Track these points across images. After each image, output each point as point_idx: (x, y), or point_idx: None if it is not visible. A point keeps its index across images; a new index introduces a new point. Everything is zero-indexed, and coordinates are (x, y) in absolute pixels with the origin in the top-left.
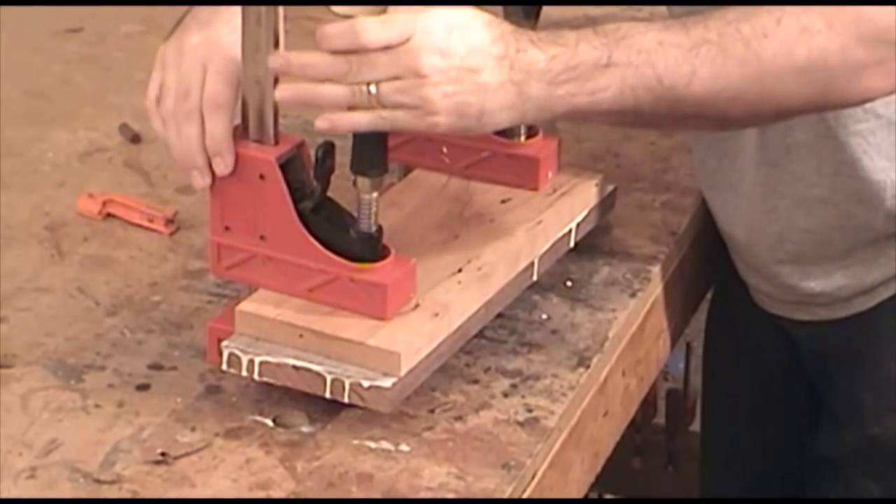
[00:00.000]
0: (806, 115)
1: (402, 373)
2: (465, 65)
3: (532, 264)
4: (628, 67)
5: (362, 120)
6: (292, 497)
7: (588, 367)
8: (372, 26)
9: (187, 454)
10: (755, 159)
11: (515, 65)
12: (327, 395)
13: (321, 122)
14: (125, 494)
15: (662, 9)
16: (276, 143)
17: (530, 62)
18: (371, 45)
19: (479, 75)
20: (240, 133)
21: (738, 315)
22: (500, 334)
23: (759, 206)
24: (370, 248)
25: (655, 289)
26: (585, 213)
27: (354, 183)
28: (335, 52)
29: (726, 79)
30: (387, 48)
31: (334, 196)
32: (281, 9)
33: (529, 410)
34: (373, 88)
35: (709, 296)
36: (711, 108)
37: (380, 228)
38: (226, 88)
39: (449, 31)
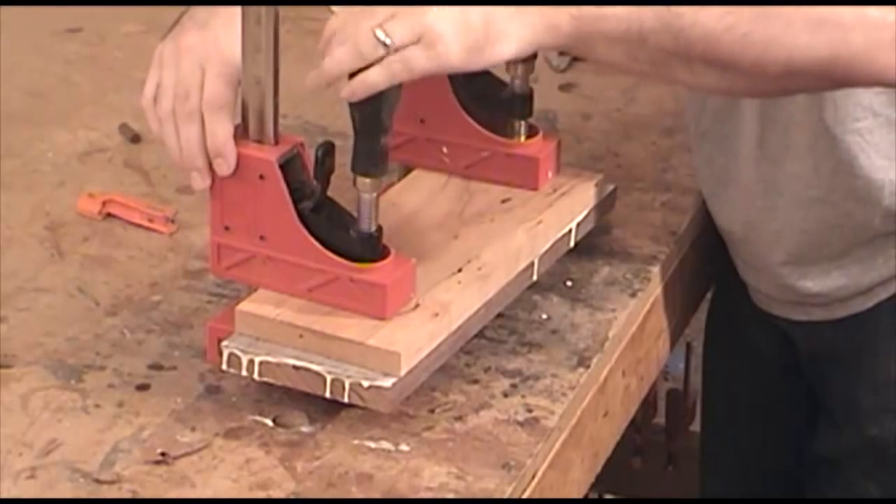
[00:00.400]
0: (804, 114)
1: (402, 373)
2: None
3: (532, 264)
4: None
5: (377, 75)
6: (292, 497)
7: (588, 367)
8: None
9: (187, 454)
10: (755, 157)
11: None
12: (327, 395)
13: (343, 93)
14: (125, 494)
15: None
16: (276, 143)
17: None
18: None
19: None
20: (240, 133)
21: (738, 315)
22: (500, 334)
23: (759, 204)
24: (370, 248)
25: (655, 289)
26: (585, 213)
27: (354, 183)
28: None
29: (736, 15)
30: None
31: (334, 196)
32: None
33: (529, 410)
34: (379, 33)
35: (709, 296)
36: (718, 46)
37: (380, 228)
38: (225, 89)
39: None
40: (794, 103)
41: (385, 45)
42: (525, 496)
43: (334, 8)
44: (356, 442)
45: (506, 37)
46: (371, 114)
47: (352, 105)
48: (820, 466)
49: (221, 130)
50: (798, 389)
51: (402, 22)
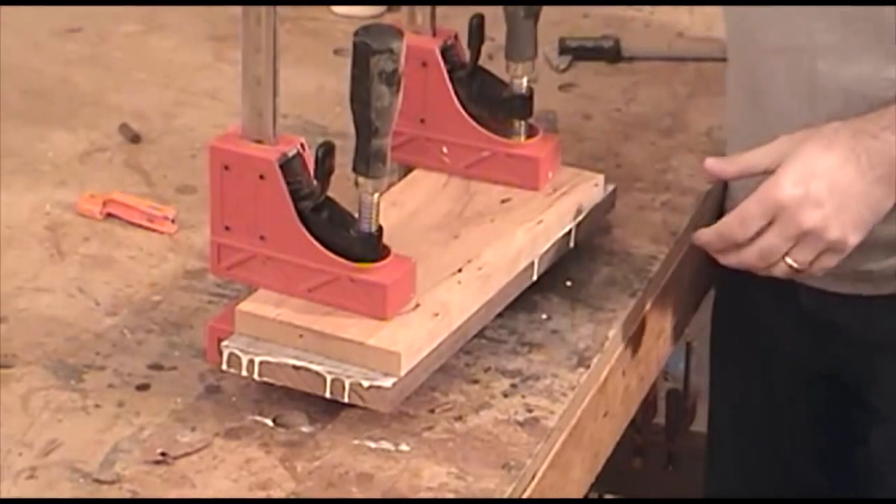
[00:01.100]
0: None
1: (403, 373)
2: (836, 194)
3: (532, 264)
4: None
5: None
6: (292, 497)
7: (588, 367)
8: (734, 225)
9: (187, 454)
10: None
11: (875, 164)
12: (327, 395)
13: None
14: (125, 494)
15: (662, 9)
16: (276, 143)
17: (884, 156)
18: (746, 238)
19: (852, 189)
20: (240, 133)
21: (752, 307)
22: (500, 334)
23: None
24: (370, 248)
25: (655, 289)
26: (585, 213)
27: (356, 183)
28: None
29: None
30: (763, 228)
31: (335, 196)
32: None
33: (529, 410)
34: (792, 263)
35: (711, 293)
36: None
37: (380, 228)
38: None
39: (804, 183)
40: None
41: (798, 269)
42: (525, 496)
43: (334, 8)
44: (356, 442)
45: (887, 206)
46: (372, 117)
47: (352, 105)
48: (867, 470)
49: None
50: (820, 386)
51: (809, 249)
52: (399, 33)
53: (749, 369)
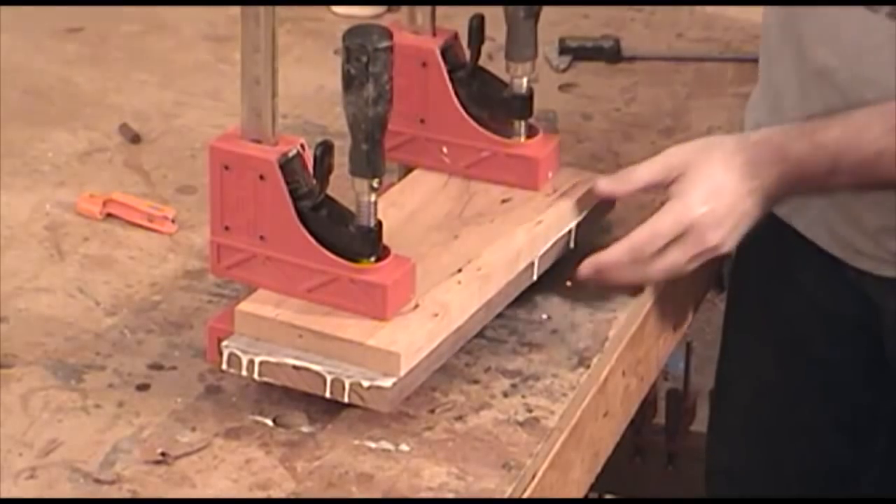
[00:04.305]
0: None
1: (402, 373)
2: (733, 214)
3: (532, 264)
4: (850, 174)
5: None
6: (292, 497)
7: (588, 367)
8: (644, 239)
9: (187, 454)
10: None
11: (763, 186)
12: (327, 394)
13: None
14: (125, 494)
15: (662, 9)
16: (276, 143)
17: (772, 183)
18: (652, 252)
19: (742, 206)
20: (239, 133)
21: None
22: (500, 334)
23: None
24: (370, 244)
25: (655, 289)
26: (585, 213)
27: (353, 186)
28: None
29: None
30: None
31: (335, 195)
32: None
33: (529, 410)
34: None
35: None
36: None
37: (379, 223)
38: None
39: (711, 208)
40: None
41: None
42: (525, 496)
43: (334, 8)
44: (356, 442)
45: (751, 219)
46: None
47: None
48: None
49: None
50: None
51: (700, 261)
52: (388, 33)
53: (764, 347)
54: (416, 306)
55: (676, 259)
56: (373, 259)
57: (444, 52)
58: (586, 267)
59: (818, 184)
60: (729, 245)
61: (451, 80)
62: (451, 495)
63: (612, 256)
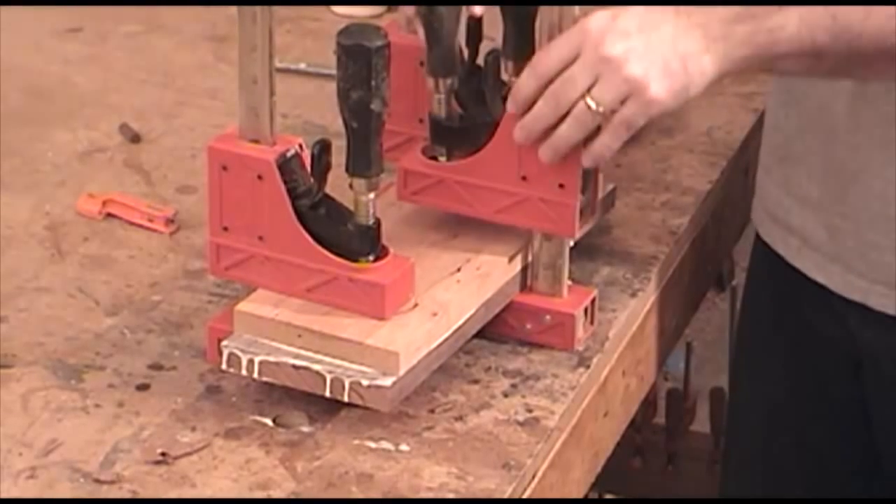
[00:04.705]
0: None
1: (402, 372)
2: (645, 30)
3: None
4: (801, 8)
5: (609, 141)
6: (292, 497)
7: (588, 367)
8: (542, 56)
9: (187, 454)
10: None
11: (692, 13)
12: (327, 394)
13: (587, 162)
14: (125, 494)
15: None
16: (274, 143)
17: (706, 9)
18: (553, 70)
19: (661, 31)
20: (238, 133)
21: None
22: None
23: None
24: (369, 242)
25: (655, 289)
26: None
27: (351, 186)
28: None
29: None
30: (568, 61)
31: (333, 194)
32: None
33: (529, 410)
34: (590, 103)
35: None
36: (889, 42)
37: (378, 221)
38: None
39: (613, 17)
40: None
41: (600, 113)
42: (525, 496)
43: (334, 8)
44: (356, 442)
45: (701, 73)
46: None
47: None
48: None
49: None
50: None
51: (608, 85)
52: (384, 32)
53: (786, 368)
54: (416, 306)
55: (572, 71)
56: (371, 258)
57: None
58: (517, 130)
59: (776, 32)
60: (653, 75)
61: None
62: (451, 495)
63: (519, 81)
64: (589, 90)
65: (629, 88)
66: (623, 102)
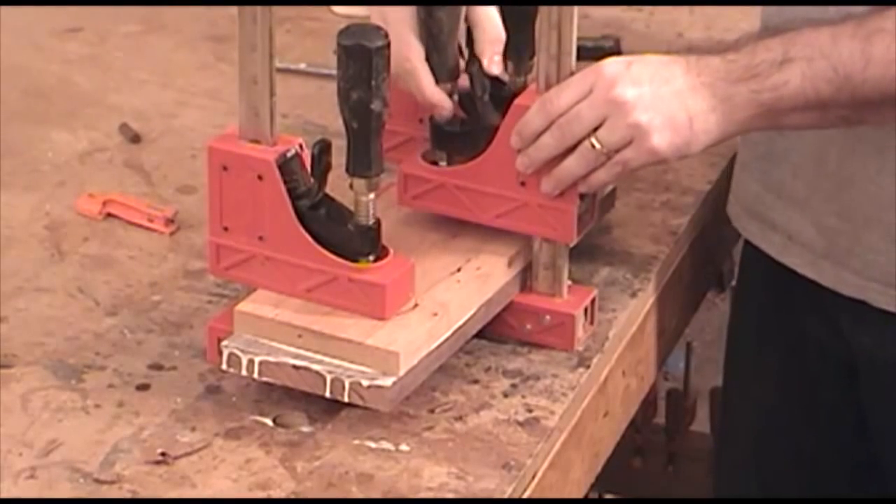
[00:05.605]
0: None
1: (402, 372)
2: (656, 83)
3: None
4: (804, 61)
5: (604, 177)
6: (292, 497)
7: (588, 367)
8: (553, 94)
9: (187, 454)
10: None
11: (702, 70)
12: (327, 394)
13: (582, 188)
14: (125, 494)
15: (662, 9)
16: (275, 143)
17: (712, 66)
18: (563, 109)
19: (672, 84)
20: (238, 134)
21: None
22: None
23: None
24: (369, 242)
25: (655, 289)
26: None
27: (351, 186)
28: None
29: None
30: (579, 101)
31: (333, 194)
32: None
33: (529, 410)
34: (595, 142)
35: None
36: (892, 89)
37: (378, 221)
38: None
39: (627, 64)
40: None
41: (604, 153)
42: (525, 496)
43: (334, 8)
44: (356, 442)
45: (706, 132)
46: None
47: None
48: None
49: None
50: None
51: (613, 127)
52: (384, 32)
53: (777, 369)
54: (416, 306)
55: (579, 109)
56: (372, 258)
57: None
58: (519, 158)
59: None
60: (657, 125)
61: None
62: (451, 495)
63: (527, 115)
64: (595, 129)
65: (632, 134)
66: (625, 146)
